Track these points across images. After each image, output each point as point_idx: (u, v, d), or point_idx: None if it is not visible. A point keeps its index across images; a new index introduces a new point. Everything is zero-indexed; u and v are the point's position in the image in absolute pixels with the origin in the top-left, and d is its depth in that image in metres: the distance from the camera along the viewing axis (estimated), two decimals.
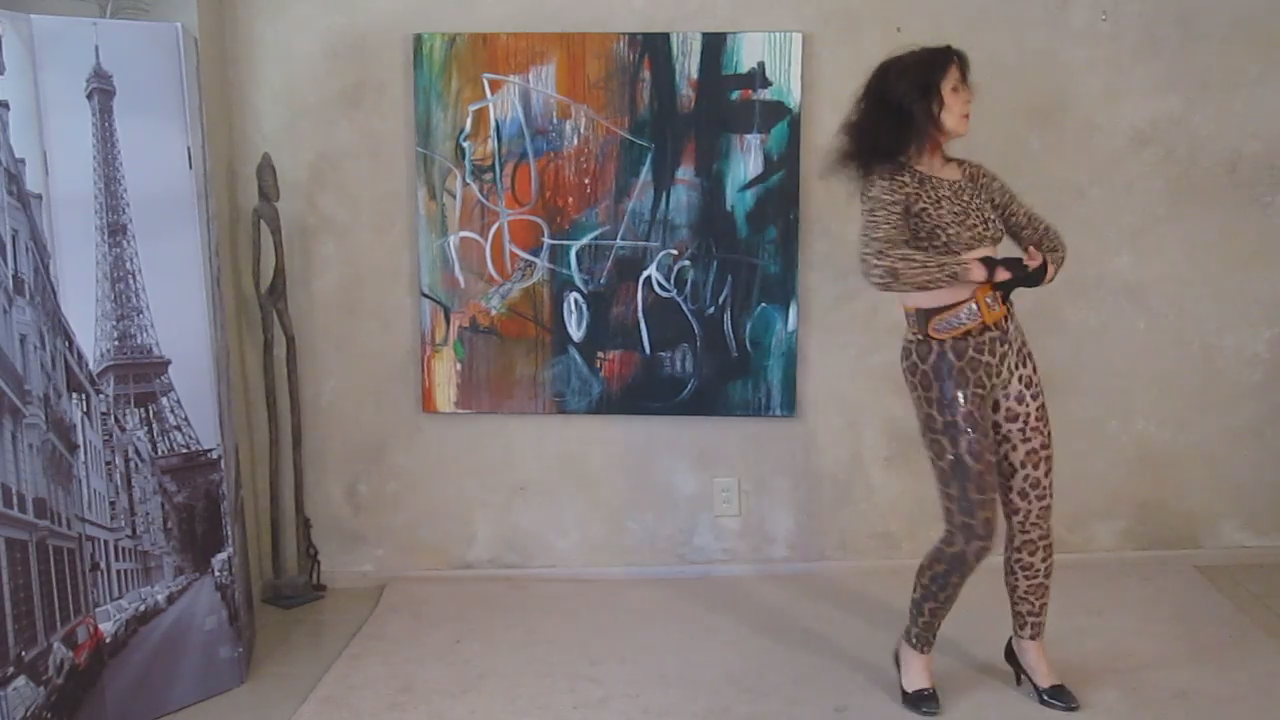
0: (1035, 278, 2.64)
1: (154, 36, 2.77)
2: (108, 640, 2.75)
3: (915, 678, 2.84)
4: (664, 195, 3.53)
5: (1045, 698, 2.84)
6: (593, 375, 3.65)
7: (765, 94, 3.48)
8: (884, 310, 3.67)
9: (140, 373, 2.81)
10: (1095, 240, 3.64)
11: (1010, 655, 2.95)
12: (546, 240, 3.58)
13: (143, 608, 2.84)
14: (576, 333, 3.63)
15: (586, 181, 3.54)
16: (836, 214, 3.59)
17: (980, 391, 2.63)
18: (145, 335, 2.81)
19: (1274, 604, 3.42)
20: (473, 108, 3.53)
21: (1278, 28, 3.54)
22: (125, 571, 2.80)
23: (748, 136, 3.51)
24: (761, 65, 3.47)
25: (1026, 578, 2.82)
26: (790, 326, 3.61)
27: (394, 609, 3.56)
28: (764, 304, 3.59)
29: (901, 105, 2.57)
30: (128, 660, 2.80)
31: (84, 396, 2.71)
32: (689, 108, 3.50)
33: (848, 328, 3.66)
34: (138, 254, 2.77)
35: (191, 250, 2.86)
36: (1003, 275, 2.58)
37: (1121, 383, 3.72)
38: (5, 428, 2.45)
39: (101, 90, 2.66)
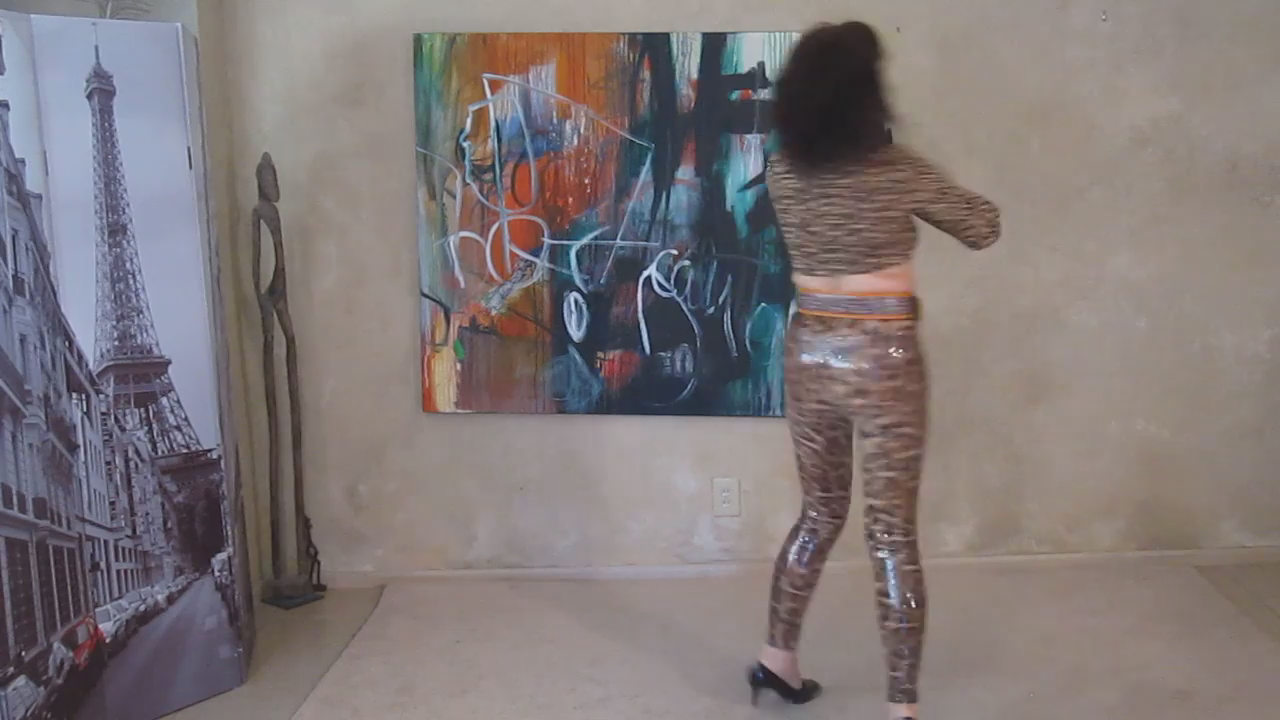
0: None
1: (154, 36, 2.77)
2: (108, 640, 2.75)
3: None
4: (664, 195, 3.53)
5: (800, 699, 2.87)
6: (593, 375, 3.65)
7: (765, 94, 3.48)
8: None
9: (140, 373, 2.82)
10: (1095, 240, 3.64)
11: (758, 677, 2.82)
12: (546, 240, 3.59)
13: (143, 608, 2.84)
14: (576, 333, 3.63)
15: (586, 181, 3.54)
16: None
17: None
18: (145, 335, 2.81)
19: (1274, 604, 3.42)
20: (473, 108, 3.53)
21: (1278, 28, 3.54)
22: (125, 571, 2.80)
23: (748, 136, 3.50)
24: (761, 65, 3.47)
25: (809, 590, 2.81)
26: None
27: (394, 609, 3.56)
28: (764, 304, 3.59)
29: (877, 95, 2.46)
30: (128, 660, 2.80)
31: (84, 396, 2.71)
32: (689, 108, 3.50)
33: None
34: (138, 254, 2.77)
35: (191, 250, 2.86)
36: None
37: (1121, 383, 3.72)
38: (5, 428, 2.45)
39: (101, 90, 2.66)
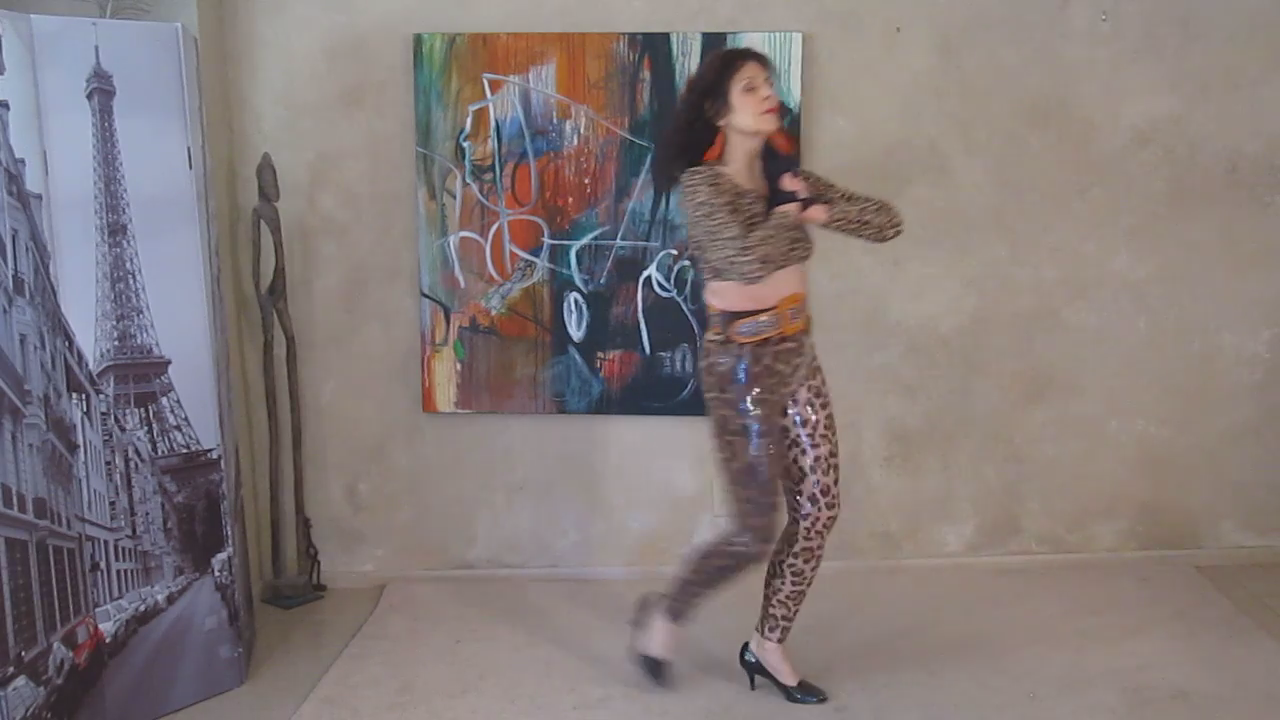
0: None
1: (154, 36, 2.77)
2: (108, 640, 2.75)
3: (660, 645, 2.92)
4: (664, 195, 3.53)
5: (795, 695, 2.88)
6: (593, 375, 3.65)
7: None
8: (884, 310, 3.67)
9: (140, 373, 2.82)
10: (1095, 240, 3.64)
11: (746, 659, 2.96)
12: (546, 240, 3.59)
13: (143, 608, 2.84)
14: (576, 333, 3.63)
15: (586, 181, 3.54)
16: None
17: (772, 398, 2.68)
18: (145, 335, 2.81)
19: (1274, 604, 3.42)
20: (473, 108, 3.53)
21: (1278, 28, 3.54)
22: (125, 571, 2.80)
23: None
24: None
25: (794, 584, 2.82)
26: None
27: (394, 609, 3.56)
28: None
29: (691, 113, 2.62)
30: (128, 660, 2.80)
31: (84, 396, 2.71)
32: None
33: (847, 328, 3.66)
34: (138, 254, 2.77)
35: (191, 250, 2.86)
36: (802, 203, 2.60)
37: (1121, 383, 3.72)
38: (5, 428, 2.45)
39: (101, 90, 2.66)
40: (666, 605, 2.91)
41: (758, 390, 2.64)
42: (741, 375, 2.64)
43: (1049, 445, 3.75)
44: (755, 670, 2.95)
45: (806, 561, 2.79)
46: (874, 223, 2.69)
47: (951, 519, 3.80)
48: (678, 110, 2.75)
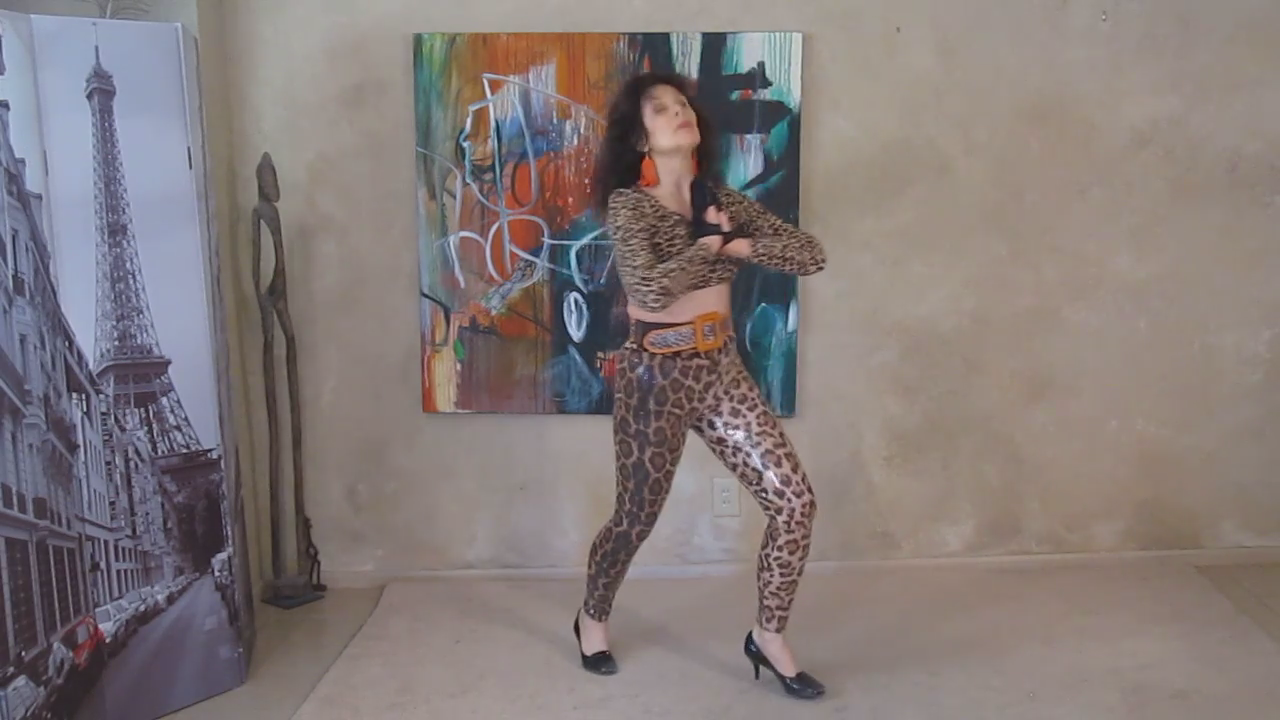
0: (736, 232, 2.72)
1: (154, 36, 2.77)
2: (108, 640, 2.75)
3: (593, 642, 3.12)
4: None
5: (792, 686, 2.90)
6: (593, 375, 3.65)
7: (765, 94, 3.48)
8: (884, 310, 3.67)
9: (140, 373, 2.82)
10: (1095, 240, 3.64)
11: (750, 649, 3.01)
12: (546, 240, 3.59)
13: (143, 608, 2.84)
14: (576, 333, 3.63)
15: (586, 181, 3.54)
16: (837, 214, 3.60)
17: (677, 411, 2.77)
18: (145, 335, 2.81)
19: (1274, 604, 3.42)
20: (473, 108, 3.53)
21: (1278, 28, 3.54)
22: (125, 571, 2.80)
23: (748, 136, 3.51)
24: (761, 65, 3.47)
25: (782, 575, 2.84)
26: (790, 326, 3.61)
27: (394, 609, 3.56)
28: (764, 304, 3.60)
29: (616, 145, 2.73)
30: (128, 660, 2.80)
31: (84, 396, 2.71)
32: None
33: (847, 328, 3.66)
34: (138, 254, 2.77)
35: (191, 250, 2.86)
36: (725, 237, 2.68)
37: (1121, 383, 3.72)
38: (5, 428, 2.45)
39: (101, 90, 2.66)
40: (586, 607, 3.13)
41: (658, 402, 2.75)
42: (646, 384, 2.74)
43: (1049, 445, 3.75)
44: (759, 660, 2.97)
45: (792, 553, 2.80)
46: (796, 259, 2.76)
47: (951, 519, 3.80)
48: (601, 146, 2.87)
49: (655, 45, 3.48)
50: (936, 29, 3.54)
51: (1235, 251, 3.65)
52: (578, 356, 3.64)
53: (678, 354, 2.73)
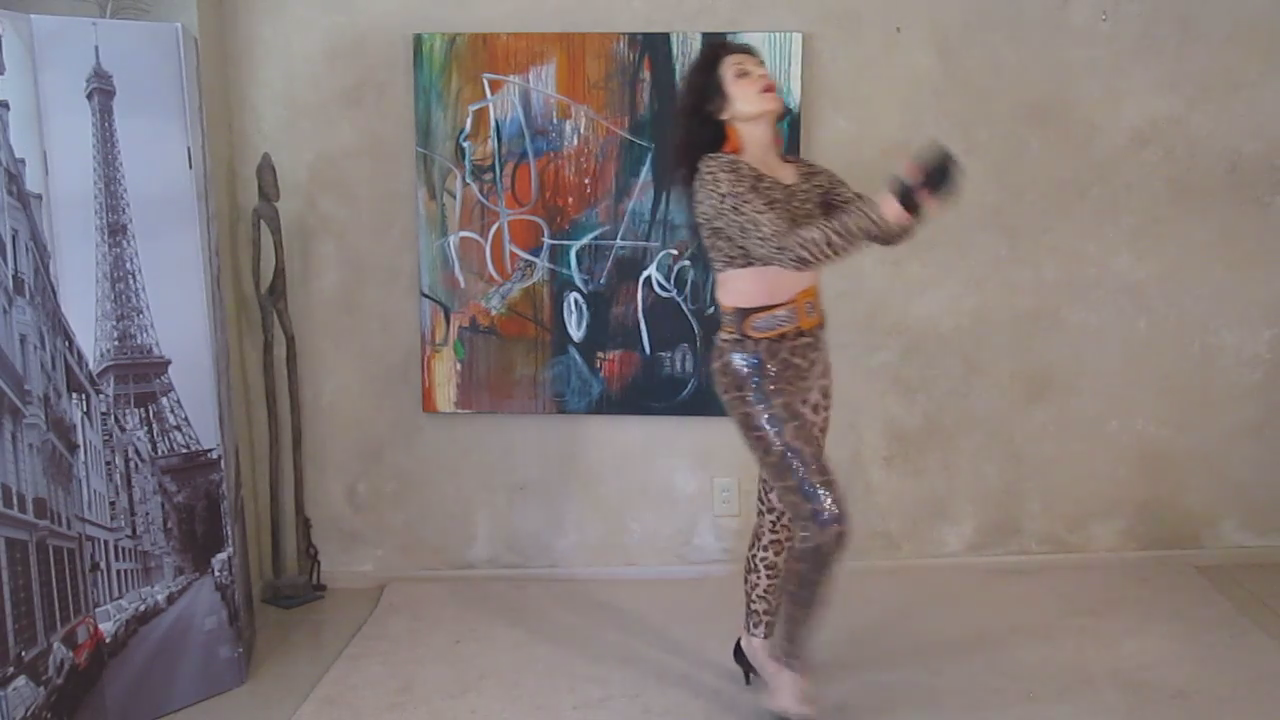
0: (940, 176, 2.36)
1: (154, 36, 2.77)
2: (108, 640, 2.75)
3: (794, 699, 2.67)
4: (664, 195, 3.53)
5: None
6: (593, 375, 3.65)
7: None
8: (884, 310, 3.67)
9: (140, 373, 2.82)
10: (1095, 240, 3.64)
11: (740, 654, 2.97)
12: (546, 240, 3.59)
13: (143, 608, 2.84)
14: (576, 333, 3.63)
15: (586, 181, 3.54)
16: None
17: (790, 388, 2.57)
18: (145, 335, 2.81)
19: (1274, 604, 3.42)
20: (473, 108, 3.53)
21: (1278, 28, 3.54)
22: (125, 571, 2.80)
23: None
24: None
25: (769, 577, 2.81)
26: None
27: (394, 609, 3.56)
28: None
29: (693, 117, 2.57)
30: (128, 660, 2.80)
31: (84, 396, 2.71)
32: None
33: (847, 328, 3.66)
34: (138, 254, 2.77)
35: (191, 250, 2.86)
36: (921, 193, 2.33)
37: (1121, 383, 3.72)
38: (5, 428, 2.45)
39: (101, 90, 2.66)
40: (782, 652, 2.69)
41: (775, 385, 2.54)
42: (758, 373, 2.54)
43: (1049, 445, 3.75)
44: (748, 667, 2.96)
45: (778, 554, 2.79)
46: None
47: (951, 519, 3.80)
48: (678, 118, 2.66)
49: (655, 45, 3.48)
50: (936, 29, 3.54)
51: (1235, 251, 3.65)
52: (578, 356, 3.64)
53: (784, 335, 2.55)
